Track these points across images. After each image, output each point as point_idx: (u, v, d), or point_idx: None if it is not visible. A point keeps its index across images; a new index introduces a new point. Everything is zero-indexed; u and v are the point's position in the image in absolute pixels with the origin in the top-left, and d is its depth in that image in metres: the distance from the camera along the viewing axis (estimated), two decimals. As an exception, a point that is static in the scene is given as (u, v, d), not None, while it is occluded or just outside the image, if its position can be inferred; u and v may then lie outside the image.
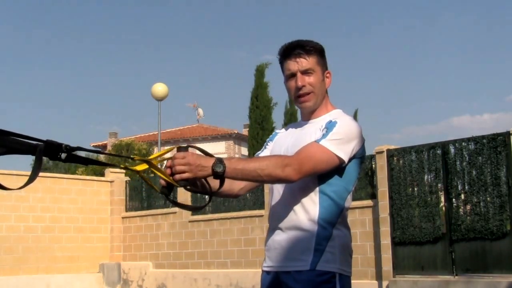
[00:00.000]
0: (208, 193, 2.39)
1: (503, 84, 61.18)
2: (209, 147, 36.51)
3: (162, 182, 2.25)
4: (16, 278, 14.15)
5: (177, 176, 2.14)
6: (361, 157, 2.53)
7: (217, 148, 36.28)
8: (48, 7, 62.48)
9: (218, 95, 64.14)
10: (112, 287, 15.50)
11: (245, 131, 33.19)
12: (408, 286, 10.74)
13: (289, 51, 2.54)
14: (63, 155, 1.97)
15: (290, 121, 20.30)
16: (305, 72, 2.52)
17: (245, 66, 66.70)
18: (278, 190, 2.55)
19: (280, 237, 2.50)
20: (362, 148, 2.51)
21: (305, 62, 2.52)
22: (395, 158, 11.43)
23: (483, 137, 10.52)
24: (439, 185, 10.92)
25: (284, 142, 2.60)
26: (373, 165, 11.78)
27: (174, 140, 37.67)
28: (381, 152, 11.54)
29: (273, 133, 2.80)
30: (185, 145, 2.27)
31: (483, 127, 58.80)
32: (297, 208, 2.46)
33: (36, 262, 14.55)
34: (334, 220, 2.45)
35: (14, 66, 62.25)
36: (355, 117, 26.50)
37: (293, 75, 2.54)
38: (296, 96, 2.55)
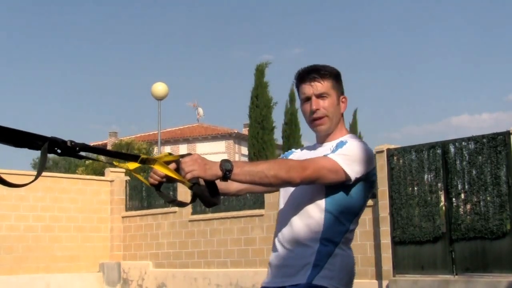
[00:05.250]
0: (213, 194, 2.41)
1: (502, 84, 61.24)
2: (209, 146, 36.55)
3: (152, 180, 2.32)
4: (16, 277, 14.16)
5: (189, 175, 2.14)
6: (371, 182, 2.55)
7: (217, 148, 36.26)
8: (46, 6, 62.53)
9: (218, 94, 64.17)
10: (112, 286, 15.51)
11: (245, 131, 33.15)
12: (408, 285, 10.74)
13: (304, 75, 2.57)
14: (63, 150, 2.02)
15: (291, 120, 20.30)
16: (320, 96, 2.55)
17: (245, 66, 66.77)
18: (285, 206, 2.57)
19: (284, 254, 2.51)
20: (372, 172, 2.52)
21: (320, 86, 2.54)
22: (395, 158, 11.42)
23: (483, 136, 10.51)
24: (439, 184, 10.91)
25: None
26: (373, 165, 11.76)
27: (174, 139, 37.64)
28: (381, 151, 11.52)
29: (289, 151, 2.81)
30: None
31: (482, 127, 58.86)
32: (302, 224, 2.48)
33: (36, 261, 14.55)
34: (337, 239, 2.47)
35: (13, 65, 62.30)
36: (355, 116, 26.49)
37: (308, 99, 2.56)
38: (311, 119, 2.57)
